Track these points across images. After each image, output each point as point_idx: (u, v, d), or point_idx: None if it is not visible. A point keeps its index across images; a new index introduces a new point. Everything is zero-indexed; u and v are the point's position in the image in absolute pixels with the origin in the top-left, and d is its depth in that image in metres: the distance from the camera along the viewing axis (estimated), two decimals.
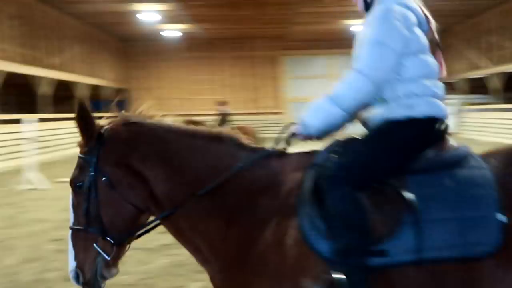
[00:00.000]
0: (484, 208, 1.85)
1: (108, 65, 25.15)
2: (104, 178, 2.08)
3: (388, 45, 1.99)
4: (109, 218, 2.08)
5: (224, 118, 12.73)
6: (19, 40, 16.58)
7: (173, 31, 24.11)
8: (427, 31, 2.12)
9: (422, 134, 2.06)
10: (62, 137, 18.52)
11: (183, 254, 5.18)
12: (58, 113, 22.44)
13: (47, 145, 17.06)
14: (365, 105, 2.10)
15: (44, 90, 18.15)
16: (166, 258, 5.21)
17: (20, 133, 12.24)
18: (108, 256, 2.06)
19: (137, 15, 20.05)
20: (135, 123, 2.18)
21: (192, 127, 2.25)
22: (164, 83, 27.76)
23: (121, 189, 2.09)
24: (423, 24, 2.11)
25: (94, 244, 2.06)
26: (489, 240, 1.80)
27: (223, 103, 13.36)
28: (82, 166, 2.16)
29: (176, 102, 27.47)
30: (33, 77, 17.55)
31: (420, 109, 2.03)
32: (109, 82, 25.03)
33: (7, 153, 14.56)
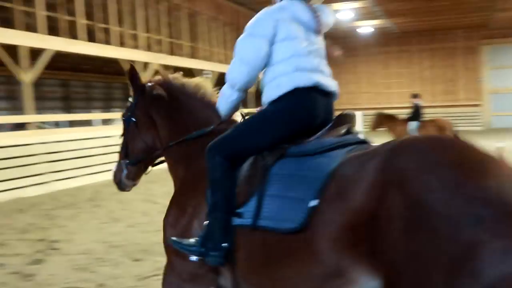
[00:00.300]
0: (303, 192, 1.98)
1: None
2: (133, 119, 2.88)
3: (256, 35, 2.29)
4: (131, 147, 2.91)
5: (416, 111, 12.19)
6: (229, 44, 18.20)
7: (366, 28, 23.79)
8: (313, 26, 2.37)
9: (287, 106, 2.26)
10: None
11: None
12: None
13: None
14: (253, 84, 2.44)
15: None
16: None
17: None
18: (126, 171, 2.95)
19: (335, 14, 20.32)
20: (165, 83, 2.84)
21: (201, 92, 2.79)
22: (358, 78, 27.60)
23: (140, 130, 2.87)
24: (305, 21, 2.34)
25: (121, 161, 2.96)
26: (295, 218, 1.95)
27: (415, 96, 12.75)
28: (127, 107, 2.95)
29: (370, 96, 27.13)
30: None
31: (285, 86, 2.25)
32: None
33: None
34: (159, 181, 10.59)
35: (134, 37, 13.41)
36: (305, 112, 2.25)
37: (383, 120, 12.53)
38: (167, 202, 8.02)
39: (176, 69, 15.66)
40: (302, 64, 2.27)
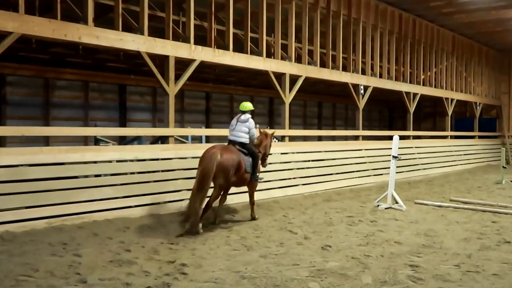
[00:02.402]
0: None
1: (477, 79, 24.31)
2: None
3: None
4: None
5: None
6: (390, 54, 17.72)
7: None
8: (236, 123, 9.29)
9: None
10: (424, 156, 18.73)
11: None
12: (420, 130, 22.88)
13: (411, 163, 17.52)
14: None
15: (411, 105, 18.74)
16: None
17: (387, 150, 12.87)
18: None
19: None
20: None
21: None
22: None
23: None
24: (237, 117, 9.41)
25: None
26: None
27: None
28: None
29: None
30: (402, 92, 18.38)
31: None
32: (478, 98, 24.18)
33: (378, 168, 15.68)
34: (298, 208, 10.53)
35: (284, 47, 13.64)
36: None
37: None
38: (306, 233, 8.01)
39: (325, 82, 15.61)
40: (232, 133, 9.19)
